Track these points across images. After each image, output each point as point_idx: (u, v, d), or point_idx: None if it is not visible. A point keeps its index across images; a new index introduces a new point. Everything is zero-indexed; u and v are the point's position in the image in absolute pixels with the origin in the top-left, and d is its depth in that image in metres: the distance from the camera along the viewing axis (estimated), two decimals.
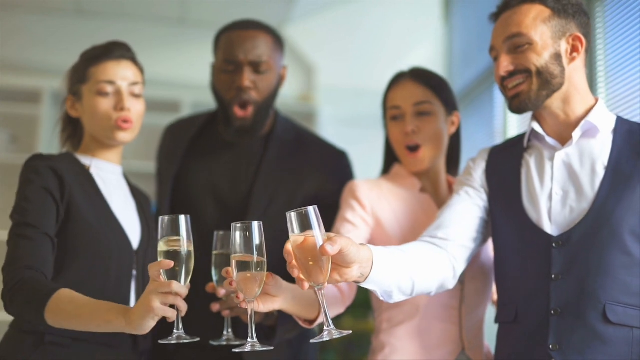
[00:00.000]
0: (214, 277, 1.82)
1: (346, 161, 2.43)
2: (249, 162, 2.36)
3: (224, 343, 1.65)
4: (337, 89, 4.75)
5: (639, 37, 2.55)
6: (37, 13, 4.50)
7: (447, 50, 4.89)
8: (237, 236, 1.51)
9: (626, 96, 2.57)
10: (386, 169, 2.32)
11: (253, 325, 1.55)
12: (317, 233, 1.44)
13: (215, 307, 1.82)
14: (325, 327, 1.47)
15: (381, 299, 1.66)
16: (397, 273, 1.63)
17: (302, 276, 1.45)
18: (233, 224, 1.52)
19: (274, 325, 1.92)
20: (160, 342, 1.63)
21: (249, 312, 1.55)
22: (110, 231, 1.95)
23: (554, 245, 1.78)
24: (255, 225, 1.52)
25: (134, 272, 1.98)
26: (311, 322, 1.79)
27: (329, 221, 2.12)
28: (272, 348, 1.56)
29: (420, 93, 2.17)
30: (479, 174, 1.97)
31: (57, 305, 1.65)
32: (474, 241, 1.89)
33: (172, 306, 1.54)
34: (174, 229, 1.57)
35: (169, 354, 2.25)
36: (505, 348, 1.88)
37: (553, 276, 1.76)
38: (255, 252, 1.51)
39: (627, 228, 1.72)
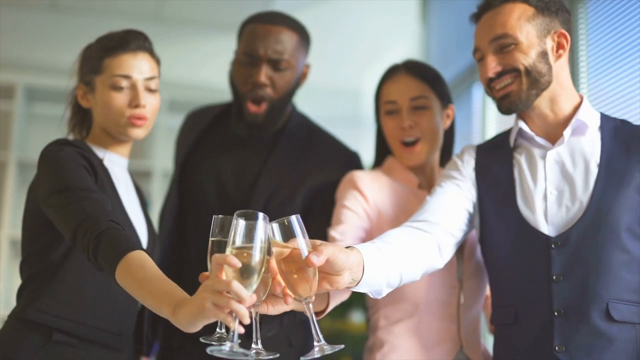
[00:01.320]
0: (210, 266, 1.67)
1: (356, 161, 2.34)
2: (256, 156, 2.31)
3: (214, 343, 1.49)
4: (314, 88, 4.72)
5: (620, 36, 2.58)
6: (11, 7, 4.42)
7: (424, 50, 4.90)
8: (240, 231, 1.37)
9: (609, 95, 2.59)
10: (378, 162, 2.28)
11: (258, 331, 1.43)
12: (302, 243, 1.37)
13: None
14: (315, 343, 1.40)
15: (371, 296, 1.62)
16: (386, 270, 1.58)
17: (287, 290, 1.38)
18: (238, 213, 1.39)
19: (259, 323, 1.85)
20: (202, 339, 1.47)
21: (254, 316, 1.44)
22: (128, 230, 1.85)
23: (552, 246, 1.77)
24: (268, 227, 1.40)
25: None
26: (317, 314, 1.68)
27: (325, 215, 2.08)
28: (277, 355, 1.43)
29: (416, 87, 2.15)
30: (468, 171, 1.95)
31: (129, 267, 1.50)
32: (460, 231, 1.87)
33: None
34: (248, 236, 1.36)
35: (173, 351, 2.23)
36: (506, 350, 1.87)
37: (554, 277, 1.76)
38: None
39: (624, 225, 1.74)
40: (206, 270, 1.51)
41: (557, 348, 1.73)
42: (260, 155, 2.30)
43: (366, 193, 2.07)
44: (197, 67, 4.25)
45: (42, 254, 1.84)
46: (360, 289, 1.53)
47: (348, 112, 4.82)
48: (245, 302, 1.29)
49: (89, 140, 1.99)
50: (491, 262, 1.93)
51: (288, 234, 1.38)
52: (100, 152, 1.96)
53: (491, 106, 3.77)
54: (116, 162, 1.99)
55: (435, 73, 2.21)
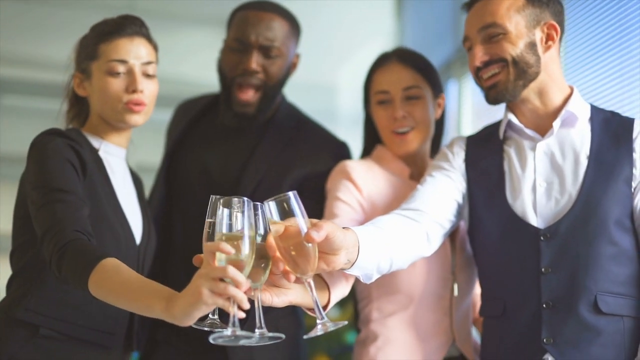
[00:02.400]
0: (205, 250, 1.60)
1: (344, 151, 2.32)
2: (244, 145, 2.28)
3: (207, 328, 1.47)
4: (288, 82, 4.70)
5: (595, 34, 2.59)
6: None
7: (399, 46, 4.89)
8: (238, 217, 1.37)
9: (586, 92, 2.60)
10: (367, 152, 2.25)
11: (261, 314, 1.39)
12: (300, 220, 1.35)
13: None
14: (318, 321, 1.39)
15: (363, 281, 1.60)
16: (378, 254, 1.57)
17: (287, 268, 1.37)
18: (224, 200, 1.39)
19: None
20: (194, 325, 1.40)
21: (257, 299, 1.41)
22: (119, 225, 1.84)
23: (541, 238, 1.77)
24: (263, 206, 1.39)
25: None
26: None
27: (315, 204, 2.05)
28: (283, 337, 1.40)
29: (409, 77, 2.12)
30: (458, 162, 1.94)
31: (103, 274, 1.48)
32: (449, 222, 1.86)
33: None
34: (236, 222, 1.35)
35: (158, 345, 2.20)
36: (494, 342, 1.87)
37: (543, 269, 1.76)
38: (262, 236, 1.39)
39: (612, 218, 1.74)
40: (192, 265, 1.47)
41: (545, 340, 1.74)
42: (248, 145, 2.27)
43: (360, 184, 2.04)
44: (177, 61, 4.21)
45: (31, 246, 1.79)
46: (353, 271, 1.52)
47: (322, 107, 4.79)
48: (242, 286, 1.27)
49: (85, 129, 1.94)
50: (480, 254, 1.93)
51: (285, 211, 1.36)
52: (96, 142, 1.91)
53: (467, 102, 3.77)
54: (112, 153, 1.93)
55: (426, 62, 2.19)
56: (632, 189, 1.76)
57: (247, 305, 1.29)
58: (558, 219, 1.77)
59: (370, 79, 2.19)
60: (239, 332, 1.32)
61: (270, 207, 1.36)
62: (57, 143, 1.76)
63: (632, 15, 2.44)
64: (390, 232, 1.65)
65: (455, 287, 2.02)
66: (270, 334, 1.38)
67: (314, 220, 1.38)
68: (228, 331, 1.32)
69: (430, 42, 4.33)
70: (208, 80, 4.72)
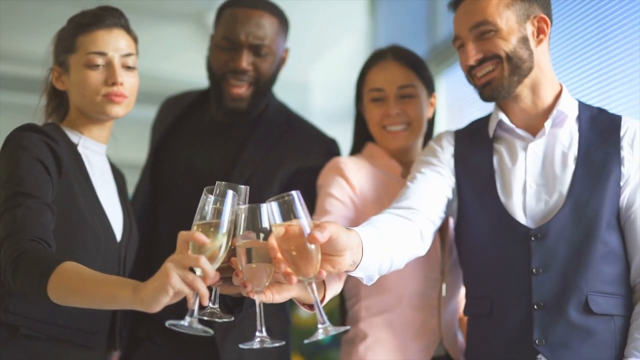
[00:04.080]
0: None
1: (334, 148, 2.31)
2: (233, 142, 2.25)
3: (206, 317, 1.46)
4: None
5: (580, 30, 2.60)
6: None
7: (372, 44, 4.88)
8: (244, 220, 1.36)
9: (570, 85, 2.61)
10: (357, 149, 2.23)
11: (262, 318, 1.39)
12: (304, 220, 1.32)
13: None
14: (319, 325, 1.35)
15: (365, 283, 1.58)
16: (380, 255, 1.55)
17: (289, 270, 1.33)
18: (239, 206, 1.38)
19: (238, 297, 1.73)
20: (168, 323, 1.38)
21: (257, 303, 1.39)
22: (99, 222, 1.80)
23: (532, 238, 1.76)
24: (264, 207, 1.36)
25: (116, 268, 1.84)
26: (312, 306, 1.61)
27: (305, 199, 2.02)
28: (283, 343, 1.41)
29: (403, 75, 2.11)
30: (447, 157, 1.92)
31: (61, 278, 1.47)
32: (440, 219, 1.85)
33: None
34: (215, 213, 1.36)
35: (140, 342, 2.18)
36: (481, 342, 1.86)
37: (534, 270, 1.75)
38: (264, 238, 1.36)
39: (602, 217, 1.74)
40: None
41: (537, 342, 1.73)
42: (237, 141, 2.25)
43: (352, 180, 2.02)
44: (157, 58, 4.16)
45: None
46: (357, 273, 1.49)
47: (295, 104, 4.77)
48: (209, 279, 1.29)
49: (65, 124, 1.90)
50: (467, 251, 1.91)
51: (288, 212, 1.32)
52: (75, 137, 1.87)
53: (440, 100, 3.77)
54: (91, 148, 1.89)
55: (421, 61, 2.19)
56: (620, 188, 1.77)
57: (206, 302, 1.31)
58: (548, 220, 1.77)
59: (364, 76, 2.18)
60: (195, 325, 1.34)
61: (272, 207, 1.33)
62: (31, 140, 1.72)
63: (612, 13, 2.46)
64: (388, 233, 1.63)
65: (444, 287, 2.02)
66: (270, 341, 1.38)
67: (316, 221, 1.35)
68: (186, 321, 1.34)
69: (405, 40, 4.32)
70: (188, 78, 4.70)
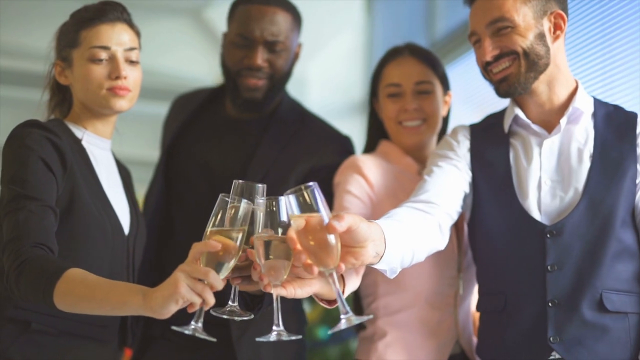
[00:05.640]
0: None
1: (348, 145, 2.30)
2: (247, 140, 2.24)
3: (225, 316, 1.49)
4: None
5: (584, 27, 2.60)
6: None
7: (369, 40, 4.88)
8: (263, 215, 1.37)
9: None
10: (371, 147, 2.23)
11: (280, 313, 1.41)
12: (323, 211, 1.32)
13: None
14: (342, 315, 1.37)
15: (388, 277, 1.57)
16: (402, 247, 1.54)
17: (309, 261, 1.33)
18: (258, 200, 1.38)
19: (258, 295, 1.72)
20: (174, 328, 1.44)
21: (275, 297, 1.40)
22: (106, 216, 1.80)
23: (547, 235, 1.76)
24: (282, 200, 1.37)
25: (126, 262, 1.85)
26: (332, 301, 1.61)
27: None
28: (300, 337, 1.42)
29: (421, 71, 2.12)
30: (463, 151, 1.91)
31: (67, 286, 1.48)
32: (457, 213, 1.84)
33: None
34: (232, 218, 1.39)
35: (154, 340, 2.17)
36: (494, 338, 1.86)
37: (549, 267, 1.75)
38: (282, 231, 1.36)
39: (617, 215, 1.74)
40: None
41: (551, 339, 1.73)
42: (251, 139, 2.24)
43: (370, 178, 2.02)
44: (154, 53, 4.16)
45: None
46: (380, 265, 1.49)
47: None
48: (216, 289, 1.35)
49: (68, 119, 1.89)
50: (481, 247, 1.91)
51: (306, 203, 1.33)
52: (79, 132, 1.87)
53: None
54: (95, 143, 1.89)
55: (436, 58, 2.19)
56: (636, 186, 1.77)
57: (210, 306, 1.38)
58: (563, 217, 1.76)
59: (380, 72, 2.18)
60: (199, 333, 1.41)
61: (291, 200, 1.33)
62: (34, 138, 1.72)
63: (616, 10, 2.47)
64: (409, 225, 1.63)
65: (461, 285, 2.03)
66: (287, 334, 1.39)
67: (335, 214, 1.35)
68: (191, 327, 1.41)
69: (402, 36, 4.31)
70: (184, 73, 4.69)
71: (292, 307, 2.09)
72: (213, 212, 1.41)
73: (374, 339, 2.00)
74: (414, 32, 4.22)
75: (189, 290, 1.33)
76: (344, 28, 4.91)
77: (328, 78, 4.96)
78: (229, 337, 2.03)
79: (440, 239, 1.75)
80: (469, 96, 3.50)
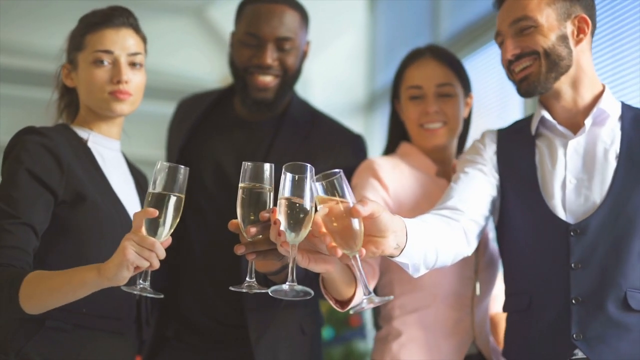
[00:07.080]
0: (240, 215, 1.56)
1: (361, 144, 2.31)
2: (259, 141, 2.24)
3: (244, 290, 1.52)
4: None
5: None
6: None
7: (371, 41, 4.87)
8: (289, 179, 1.44)
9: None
10: (392, 149, 2.23)
11: (294, 270, 1.44)
12: (348, 197, 1.38)
13: (240, 249, 1.54)
14: (364, 296, 1.42)
15: (410, 274, 1.60)
16: (425, 244, 1.57)
17: (334, 243, 1.37)
18: (285, 165, 1.45)
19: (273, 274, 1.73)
20: (123, 288, 1.54)
21: (291, 257, 1.43)
22: (115, 212, 1.83)
23: (572, 234, 1.78)
24: (308, 168, 1.45)
25: None
26: (344, 303, 1.64)
27: None
28: (309, 291, 1.44)
29: (442, 74, 2.12)
30: (489, 155, 1.94)
31: (29, 288, 1.58)
32: (485, 219, 1.86)
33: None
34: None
35: (167, 341, 2.18)
36: (519, 337, 1.87)
37: (573, 265, 1.76)
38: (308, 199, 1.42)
39: None
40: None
41: (574, 336, 1.74)
42: (263, 140, 2.25)
43: (386, 182, 2.03)
44: (157, 53, 4.14)
45: None
46: (401, 258, 1.52)
47: None
48: (162, 257, 1.50)
49: (75, 122, 1.95)
50: (508, 247, 1.93)
51: (332, 189, 1.38)
52: (84, 133, 1.92)
53: None
54: (102, 143, 1.94)
55: (458, 60, 2.20)
56: None
57: (155, 268, 1.51)
58: (587, 215, 1.78)
59: (402, 74, 2.18)
60: (148, 290, 1.53)
61: (317, 186, 1.39)
62: (25, 147, 1.76)
63: (627, 12, 2.48)
64: (433, 226, 1.66)
65: (478, 286, 2.03)
66: (300, 288, 1.43)
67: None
68: (138, 287, 1.53)
69: (406, 36, 4.31)
70: (187, 72, 4.68)
71: (311, 309, 2.15)
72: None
73: (388, 340, 2.02)
74: (417, 32, 4.21)
75: (138, 257, 1.46)
76: (347, 28, 4.91)
77: (331, 78, 4.95)
78: (246, 339, 2.04)
79: (465, 245, 1.77)
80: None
